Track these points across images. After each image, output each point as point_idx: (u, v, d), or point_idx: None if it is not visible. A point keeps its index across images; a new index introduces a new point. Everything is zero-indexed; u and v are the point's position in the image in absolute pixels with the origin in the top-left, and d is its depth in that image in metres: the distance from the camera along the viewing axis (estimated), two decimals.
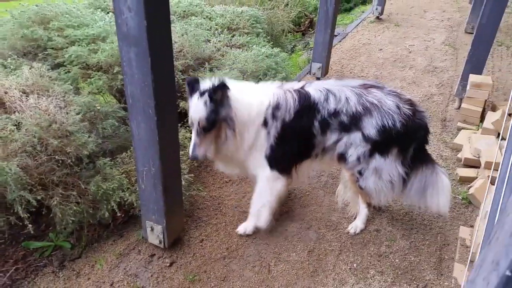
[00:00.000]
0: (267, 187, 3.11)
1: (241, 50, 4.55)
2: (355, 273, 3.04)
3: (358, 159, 3.00)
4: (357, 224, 3.44)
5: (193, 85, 2.74)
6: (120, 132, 3.45)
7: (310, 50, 6.69)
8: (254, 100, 2.91)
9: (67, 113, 2.97)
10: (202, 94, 2.69)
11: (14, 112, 2.89)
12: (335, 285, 2.94)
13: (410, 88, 6.09)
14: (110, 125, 3.30)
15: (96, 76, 3.52)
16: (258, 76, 4.16)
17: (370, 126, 2.89)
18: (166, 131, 2.62)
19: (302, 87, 3.01)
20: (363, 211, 3.42)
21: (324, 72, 6.01)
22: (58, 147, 2.83)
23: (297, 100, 2.92)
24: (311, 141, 3.03)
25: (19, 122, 2.75)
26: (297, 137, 2.99)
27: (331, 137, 2.99)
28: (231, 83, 2.79)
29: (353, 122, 2.91)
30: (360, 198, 3.35)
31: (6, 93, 3.06)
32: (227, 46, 4.68)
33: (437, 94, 5.93)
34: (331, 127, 2.95)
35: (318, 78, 6.04)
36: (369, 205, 3.39)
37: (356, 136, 2.93)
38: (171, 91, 2.59)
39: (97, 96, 3.70)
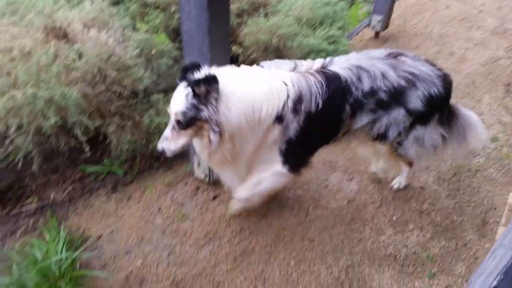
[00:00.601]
0: (269, 179, 2.71)
1: None
2: (393, 225, 3.05)
3: (399, 134, 2.75)
4: (400, 180, 3.38)
5: (187, 71, 2.32)
6: (174, 71, 3.55)
7: (372, 3, 6.37)
8: (258, 98, 2.34)
9: (125, 47, 3.10)
10: (188, 84, 2.25)
11: (76, 42, 3.06)
12: (372, 234, 2.98)
13: (475, 50, 5.69)
14: (164, 64, 3.41)
15: (153, 14, 3.61)
16: (313, 24, 4.06)
17: (416, 99, 2.59)
18: None
19: (325, 66, 2.54)
20: (405, 170, 3.31)
21: (384, 26, 5.74)
22: (116, 79, 2.99)
23: (324, 84, 2.44)
24: (337, 128, 2.66)
25: (80, 52, 2.91)
26: (324, 127, 2.61)
27: (362, 119, 2.63)
28: (232, 75, 2.33)
29: (395, 99, 2.58)
30: (401, 161, 3.16)
31: (69, 25, 3.22)
32: None
33: (505, 57, 5.51)
34: (365, 108, 2.59)
35: (377, 33, 5.78)
36: (410, 164, 3.21)
37: (398, 113, 2.62)
38: (226, 31, 2.61)
39: (153, 35, 3.80)
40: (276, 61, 2.62)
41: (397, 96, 2.59)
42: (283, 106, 2.39)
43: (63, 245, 2.53)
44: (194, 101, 2.23)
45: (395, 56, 2.66)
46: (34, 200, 3.10)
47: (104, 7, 3.37)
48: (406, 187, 3.37)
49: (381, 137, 2.77)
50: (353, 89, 2.52)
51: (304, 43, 3.71)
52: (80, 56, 2.87)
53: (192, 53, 2.58)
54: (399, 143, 2.84)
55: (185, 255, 2.80)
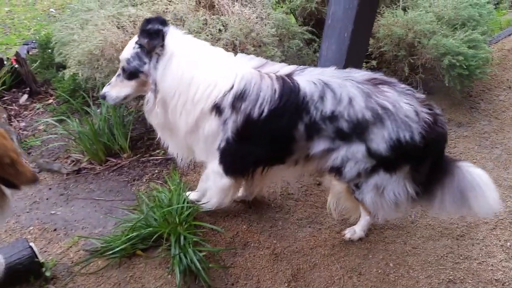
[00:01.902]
0: (211, 178, 2.62)
1: None
2: (507, 251, 2.85)
3: (358, 175, 2.36)
4: (355, 230, 2.86)
5: (148, 23, 2.25)
6: (302, 53, 3.63)
7: None
8: (202, 75, 2.26)
9: (264, 24, 3.24)
10: (140, 33, 2.25)
11: (222, 14, 3.27)
12: (481, 255, 2.82)
13: None
14: (295, 45, 3.50)
15: None
16: (454, 25, 3.82)
17: (380, 140, 2.20)
18: (354, 59, 2.68)
19: (290, 75, 2.29)
20: (363, 219, 2.81)
21: None
22: (251, 54, 3.15)
23: (277, 92, 2.20)
24: (289, 146, 2.38)
25: (226, 24, 3.11)
26: (267, 141, 2.36)
27: (319, 145, 2.32)
28: (189, 44, 2.30)
29: (356, 132, 2.22)
30: (360, 205, 2.70)
31: None
32: None
33: None
34: (322, 133, 2.27)
35: None
36: (370, 213, 2.73)
37: (358, 149, 2.26)
38: (370, 21, 2.60)
39: (288, 15, 3.91)
40: (251, 56, 2.47)
41: (359, 130, 2.22)
42: (223, 97, 2.24)
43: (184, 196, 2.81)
44: (139, 51, 2.27)
45: (377, 83, 2.28)
46: (161, 152, 3.45)
47: None
48: (362, 239, 2.88)
49: (336, 171, 2.41)
50: (311, 108, 2.21)
51: (441, 43, 3.51)
52: (225, 28, 3.08)
53: (332, 37, 2.63)
54: (357, 186, 2.45)
55: (286, 230, 2.92)
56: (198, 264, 2.46)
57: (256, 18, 3.19)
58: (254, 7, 3.33)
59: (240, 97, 2.23)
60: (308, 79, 2.26)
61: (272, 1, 3.47)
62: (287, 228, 2.94)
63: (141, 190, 3.12)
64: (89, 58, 3.03)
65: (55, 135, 3.65)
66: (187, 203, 2.72)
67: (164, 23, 2.31)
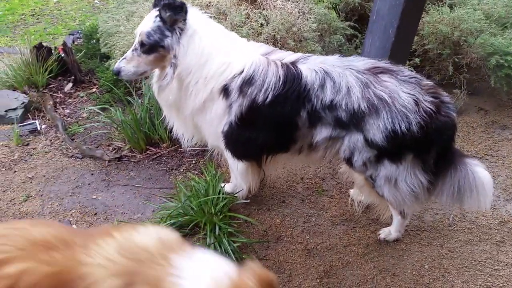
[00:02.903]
0: (231, 163, 2.72)
1: None
2: None
3: (364, 164, 2.37)
4: (390, 231, 2.81)
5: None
6: (343, 49, 3.59)
7: None
8: (217, 55, 2.31)
9: (306, 19, 3.23)
10: (159, 8, 2.26)
11: (264, 9, 3.29)
12: None
13: None
14: (336, 40, 3.47)
15: None
16: (505, 23, 3.67)
17: (376, 130, 2.20)
18: (397, 56, 2.63)
19: (295, 62, 2.33)
20: (395, 219, 2.74)
21: None
22: (292, 49, 3.15)
23: (281, 79, 2.25)
24: (292, 134, 2.40)
25: (268, 18, 3.13)
26: (270, 127, 2.38)
27: (321, 133, 2.34)
28: (208, 22, 2.36)
29: (353, 122, 2.23)
30: (388, 204, 2.66)
31: None
32: None
33: None
34: (323, 121, 2.30)
35: None
36: (401, 212, 2.66)
37: (356, 138, 2.28)
38: (416, 18, 2.55)
39: (330, 10, 3.87)
40: (261, 43, 2.54)
41: (355, 120, 2.22)
42: (232, 79, 2.30)
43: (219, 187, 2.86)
44: (160, 25, 2.25)
45: (377, 72, 2.25)
46: (197, 144, 3.51)
47: None
48: (398, 240, 2.83)
49: (348, 161, 2.44)
50: (313, 97, 2.24)
51: (489, 42, 3.39)
52: (267, 22, 3.09)
53: (376, 33, 2.59)
54: (372, 178, 2.43)
55: (319, 227, 2.92)
56: (232, 254, 2.50)
57: (298, 12, 3.19)
58: (297, 1, 3.33)
59: (248, 82, 2.29)
60: (310, 67, 2.30)
61: None
62: (321, 224, 2.94)
63: (178, 180, 3.20)
64: None
65: (98, 123, 3.80)
66: (223, 194, 2.77)
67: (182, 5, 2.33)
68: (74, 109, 4.24)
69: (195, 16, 2.31)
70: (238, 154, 2.61)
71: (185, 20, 2.23)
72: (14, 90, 4.34)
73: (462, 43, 3.55)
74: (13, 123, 3.84)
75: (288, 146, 2.50)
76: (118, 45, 3.21)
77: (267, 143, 2.50)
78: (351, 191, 3.09)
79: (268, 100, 2.27)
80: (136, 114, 3.46)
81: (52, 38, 6.05)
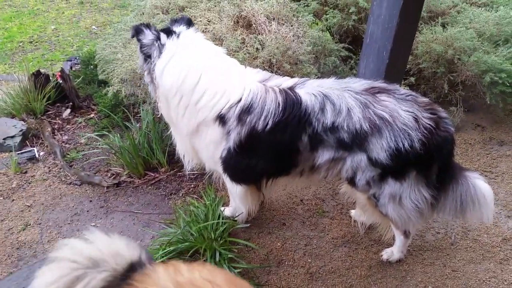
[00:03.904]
0: (229, 187, 2.73)
1: (482, 9, 4.10)
2: None
3: (368, 183, 2.37)
4: (393, 252, 2.79)
5: (174, 23, 2.46)
6: (338, 71, 3.63)
7: None
8: (210, 83, 2.28)
9: (301, 42, 3.27)
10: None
11: (259, 33, 3.33)
12: None
13: None
14: (331, 62, 3.51)
15: (331, 14, 3.71)
16: (496, 41, 3.73)
17: (380, 149, 2.21)
18: (392, 77, 2.65)
19: (293, 88, 2.33)
20: (398, 239, 2.73)
21: None
22: (288, 72, 3.18)
23: (281, 105, 2.25)
24: (293, 158, 2.39)
25: (263, 43, 3.16)
26: (271, 153, 2.38)
27: (323, 155, 2.34)
28: (201, 43, 2.41)
29: (356, 142, 2.25)
30: (391, 223, 2.65)
31: (253, 16, 3.51)
32: (466, 3, 4.26)
33: None
34: (325, 144, 2.30)
35: None
36: (404, 232, 2.67)
37: (360, 158, 2.28)
38: (410, 40, 2.59)
39: (324, 33, 3.93)
40: (257, 69, 2.54)
41: (358, 140, 2.23)
42: (229, 109, 2.28)
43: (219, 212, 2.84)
44: (141, 55, 2.40)
45: (375, 92, 2.28)
46: (196, 167, 3.51)
47: (287, 3, 3.59)
48: (401, 261, 2.80)
49: (350, 181, 2.44)
50: (313, 121, 2.25)
51: (483, 60, 3.43)
52: (262, 46, 3.13)
53: (370, 55, 2.62)
54: (375, 197, 2.42)
55: (321, 249, 2.89)
56: None
57: (293, 36, 3.23)
58: (291, 26, 3.38)
59: (246, 110, 2.27)
60: (308, 91, 2.30)
61: (309, 20, 3.48)
62: (322, 247, 2.91)
63: (177, 204, 3.18)
64: (131, 76, 3.15)
65: (96, 150, 3.80)
66: (222, 218, 2.75)
67: (190, 22, 2.44)
68: (72, 135, 4.24)
69: (186, 40, 2.33)
70: (237, 179, 2.61)
71: (143, 41, 2.35)
72: (12, 118, 4.35)
73: (456, 61, 3.59)
74: (11, 151, 3.83)
75: (289, 170, 2.49)
76: (115, 72, 3.24)
77: (268, 169, 2.51)
78: (352, 212, 3.08)
79: (268, 127, 2.26)
80: (134, 139, 3.46)
81: (50, 64, 6.10)
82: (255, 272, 2.69)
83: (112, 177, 3.55)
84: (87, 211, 3.28)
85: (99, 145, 3.73)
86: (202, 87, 2.28)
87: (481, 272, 2.76)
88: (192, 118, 2.36)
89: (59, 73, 4.62)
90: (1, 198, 3.41)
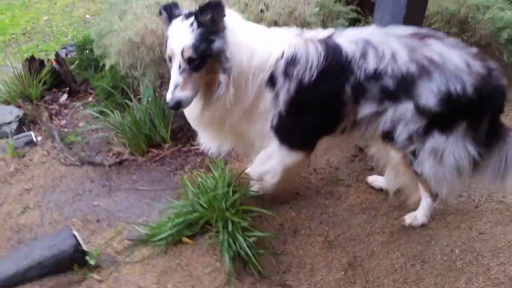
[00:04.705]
0: (277, 155, 2.43)
1: None
2: None
3: (410, 138, 2.20)
4: (416, 215, 2.63)
5: (172, 10, 2.10)
6: None
7: None
8: (258, 44, 2.15)
9: (307, 4, 3.10)
10: (186, 16, 2.02)
11: None
12: None
13: None
14: (340, 25, 3.32)
15: None
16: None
17: (429, 93, 2.06)
18: None
19: (330, 37, 2.22)
20: (425, 201, 2.58)
21: None
22: None
23: (323, 54, 2.13)
24: (339, 113, 2.26)
25: (267, 4, 2.99)
26: (319, 107, 2.24)
27: (366, 108, 2.20)
28: (232, 15, 2.10)
29: (403, 88, 2.10)
30: (420, 185, 2.51)
31: None
32: None
33: None
34: (368, 95, 2.17)
35: None
36: (433, 194, 2.51)
37: (406, 107, 2.12)
38: None
39: None
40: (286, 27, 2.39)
41: (404, 86, 2.09)
42: (276, 64, 2.16)
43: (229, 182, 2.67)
44: (202, 31, 1.97)
45: (422, 37, 2.13)
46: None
47: None
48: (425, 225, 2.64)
49: (387, 137, 2.26)
50: (355, 68, 2.11)
51: (499, 16, 3.26)
52: (267, 8, 2.96)
53: (386, 7, 2.44)
54: (414, 154, 2.25)
55: (338, 217, 2.73)
56: (248, 250, 2.30)
57: None
58: None
59: (291, 62, 2.15)
60: (348, 39, 2.18)
61: None
62: (339, 215, 2.75)
63: (184, 178, 3.00)
64: (129, 47, 2.98)
65: (96, 132, 3.63)
66: (233, 187, 2.57)
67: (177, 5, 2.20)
68: (70, 120, 4.08)
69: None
70: (295, 144, 2.40)
71: (223, 17, 2.00)
72: (8, 105, 4.19)
73: (469, 20, 3.41)
74: (7, 137, 3.67)
75: (335, 126, 2.36)
76: (112, 43, 3.06)
77: (317, 127, 2.36)
78: (369, 178, 2.92)
79: (313, 78, 2.14)
80: (136, 115, 3.30)
81: (45, 55, 5.92)
82: (271, 241, 2.52)
83: (114, 156, 3.38)
84: (89, 191, 3.12)
85: (99, 126, 3.56)
86: (257, 50, 2.15)
87: (509, 233, 2.61)
88: (249, 90, 2.19)
89: (54, 57, 4.46)
90: None
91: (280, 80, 2.18)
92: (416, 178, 2.41)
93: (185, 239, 2.52)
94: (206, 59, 2.02)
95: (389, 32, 2.19)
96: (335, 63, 2.13)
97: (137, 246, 2.57)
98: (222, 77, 2.07)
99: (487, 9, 3.38)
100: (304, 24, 3.03)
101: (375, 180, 2.88)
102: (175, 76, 2.01)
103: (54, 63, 4.47)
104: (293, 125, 2.29)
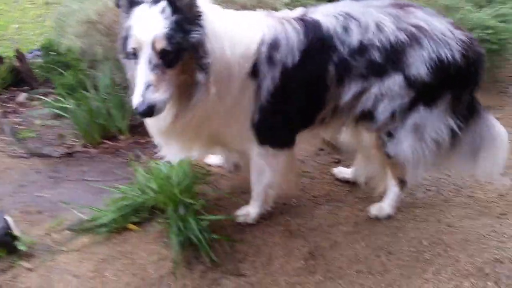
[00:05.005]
0: (264, 164, 2.21)
1: None
2: None
3: (392, 115, 2.07)
4: (382, 206, 2.48)
5: None
6: None
7: None
8: (237, 31, 1.90)
9: None
10: (155, 1, 1.69)
11: None
12: None
13: None
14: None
15: None
16: (479, 2, 3.63)
17: (419, 62, 1.96)
18: None
19: (305, 14, 2.05)
20: (392, 191, 2.44)
21: None
22: None
23: (302, 32, 1.95)
24: (322, 99, 2.08)
25: None
26: (303, 93, 2.04)
27: (350, 89, 2.04)
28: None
29: (391, 60, 1.98)
30: (389, 170, 2.37)
31: None
32: None
33: None
34: (353, 73, 2.01)
35: None
36: (401, 182, 2.38)
37: (393, 81, 2.00)
38: None
39: None
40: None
41: (394, 56, 1.97)
42: (258, 47, 1.90)
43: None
44: (178, 19, 1.65)
45: (401, 6, 2.06)
46: None
47: None
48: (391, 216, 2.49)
49: (367, 116, 2.11)
50: (337, 44, 1.96)
51: (468, 17, 3.28)
52: None
53: None
54: (390, 134, 2.14)
55: (301, 208, 2.56)
56: (199, 234, 2.09)
57: None
58: None
59: (274, 47, 1.93)
60: (325, 13, 2.03)
61: None
62: (302, 205, 2.58)
63: (134, 163, 2.77)
64: (86, 27, 2.83)
65: (51, 128, 3.42)
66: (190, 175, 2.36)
67: None
68: (26, 118, 3.83)
69: None
70: (279, 141, 2.18)
71: (198, 4, 1.72)
72: None
73: None
74: None
75: (316, 115, 2.17)
76: (70, 24, 2.90)
77: (301, 118, 2.16)
78: (334, 170, 2.77)
79: (296, 60, 1.94)
80: (91, 105, 3.11)
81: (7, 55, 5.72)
82: (227, 229, 2.31)
83: (65, 148, 3.16)
84: (33, 182, 2.87)
85: (55, 119, 3.35)
86: (239, 41, 1.89)
87: (479, 227, 2.46)
88: (232, 85, 1.91)
89: (15, 54, 4.27)
90: None
91: (263, 68, 1.94)
92: (387, 162, 2.29)
93: (130, 225, 2.29)
94: (182, 53, 1.69)
95: (367, 4, 2.07)
96: (316, 40, 1.96)
97: (78, 235, 2.32)
98: (199, 76, 1.75)
99: (458, 10, 3.42)
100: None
101: (340, 172, 2.74)
102: (146, 74, 1.64)
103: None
104: (275, 120, 2.05)
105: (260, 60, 1.92)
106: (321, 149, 3.03)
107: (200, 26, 1.70)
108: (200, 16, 1.71)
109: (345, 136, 2.47)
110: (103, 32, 2.82)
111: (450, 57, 1.95)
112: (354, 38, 1.96)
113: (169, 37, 1.63)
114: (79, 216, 2.38)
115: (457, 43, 1.97)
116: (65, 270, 2.12)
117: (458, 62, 1.97)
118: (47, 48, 4.56)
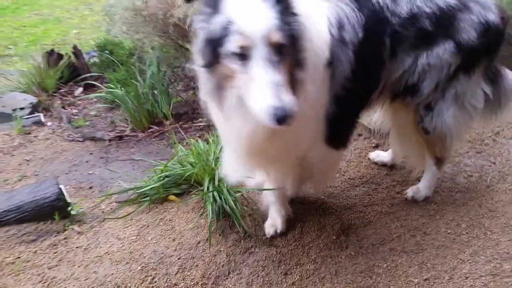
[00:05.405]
0: (326, 160, 2.06)
1: None
2: None
3: (436, 86, 2.00)
4: (419, 188, 2.43)
5: None
6: None
7: None
8: (310, 15, 1.64)
9: None
10: None
11: None
12: None
13: None
14: None
15: None
16: None
17: (469, 27, 1.89)
18: None
19: None
20: (429, 171, 2.37)
21: None
22: None
23: (356, 9, 1.80)
24: (379, 76, 1.97)
25: None
26: (367, 72, 1.91)
27: (403, 62, 1.96)
28: None
29: (442, 26, 1.89)
30: (425, 149, 2.28)
31: None
32: None
33: None
34: (405, 44, 1.92)
35: None
36: (438, 160, 2.30)
37: (444, 49, 1.92)
38: None
39: None
40: None
41: (444, 23, 1.89)
42: (330, 35, 1.71)
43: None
44: (282, 8, 1.44)
45: None
46: (203, 120, 3.31)
47: None
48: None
49: (409, 90, 2.02)
50: (388, 15, 1.86)
51: None
52: None
53: None
54: (428, 107, 2.06)
55: (335, 188, 2.59)
56: (233, 204, 2.18)
57: None
58: None
59: (341, 26, 1.77)
60: None
61: None
62: (337, 186, 2.60)
63: (175, 139, 2.91)
64: (131, 14, 3.01)
65: (104, 118, 3.67)
66: None
67: None
68: (82, 110, 4.14)
69: None
70: (345, 138, 2.10)
71: None
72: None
73: None
74: None
75: (372, 96, 2.06)
76: (118, 12, 3.10)
77: (365, 99, 2.05)
78: (371, 154, 2.77)
79: (361, 37, 1.81)
80: (139, 90, 3.31)
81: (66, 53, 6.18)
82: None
83: (115, 132, 3.38)
84: (86, 161, 3.10)
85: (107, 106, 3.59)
86: (318, 28, 1.71)
87: None
88: (315, 78, 1.67)
89: (72, 49, 4.62)
90: (1, 154, 3.27)
91: (338, 51, 1.75)
92: (425, 138, 2.23)
93: (171, 197, 2.43)
94: (295, 44, 1.50)
95: None
96: (371, 14, 1.84)
97: (123, 205, 2.49)
98: (299, 74, 1.52)
99: None
100: None
101: (378, 155, 2.73)
102: (269, 73, 1.37)
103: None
104: (348, 109, 1.90)
105: (334, 43, 1.73)
106: (360, 134, 3.03)
107: (296, 16, 1.51)
108: (293, 4, 1.52)
109: (380, 115, 2.46)
110: (147, 19, 3.00)
111: (495, 21, 1.93)
112: (404, 8, 1.89)
113: (281, 29, 1.41)
114: (126, 189, 2.54)
115: (495, 7, 1.97)
116: (111, 234, 2.29)
117: (500, 26, 1.96)
118: (102, 47, 4.90)
